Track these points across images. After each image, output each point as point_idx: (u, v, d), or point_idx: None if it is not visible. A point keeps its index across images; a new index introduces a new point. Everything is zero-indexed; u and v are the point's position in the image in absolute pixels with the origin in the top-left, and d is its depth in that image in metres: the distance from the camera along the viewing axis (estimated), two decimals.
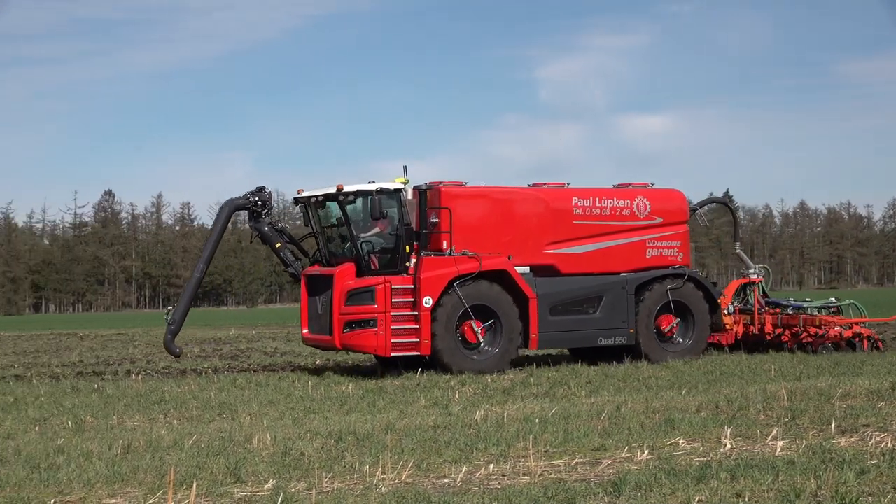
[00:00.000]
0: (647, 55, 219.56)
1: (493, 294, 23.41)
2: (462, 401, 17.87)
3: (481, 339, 23.36)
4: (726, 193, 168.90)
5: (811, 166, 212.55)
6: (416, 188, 23.62)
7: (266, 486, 10.63)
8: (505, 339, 23.45)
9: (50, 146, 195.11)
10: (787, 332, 26.42)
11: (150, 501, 10.16)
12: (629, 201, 25.41)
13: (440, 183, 23.85)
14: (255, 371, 24.95)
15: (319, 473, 11.17)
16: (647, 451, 12.01)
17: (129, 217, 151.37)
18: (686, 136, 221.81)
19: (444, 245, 23.31)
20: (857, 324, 26.46)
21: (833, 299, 27.51)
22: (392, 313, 22.70)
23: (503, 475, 11.13)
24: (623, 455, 12.02)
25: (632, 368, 22.93)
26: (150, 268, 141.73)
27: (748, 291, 27.57)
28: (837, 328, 26.03)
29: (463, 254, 23.24)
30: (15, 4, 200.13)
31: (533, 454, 11.86)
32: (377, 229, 23.57)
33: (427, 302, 22.73)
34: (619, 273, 25.02)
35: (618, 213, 25.25)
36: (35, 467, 11.88)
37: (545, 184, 25.22)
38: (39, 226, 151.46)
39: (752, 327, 26.80)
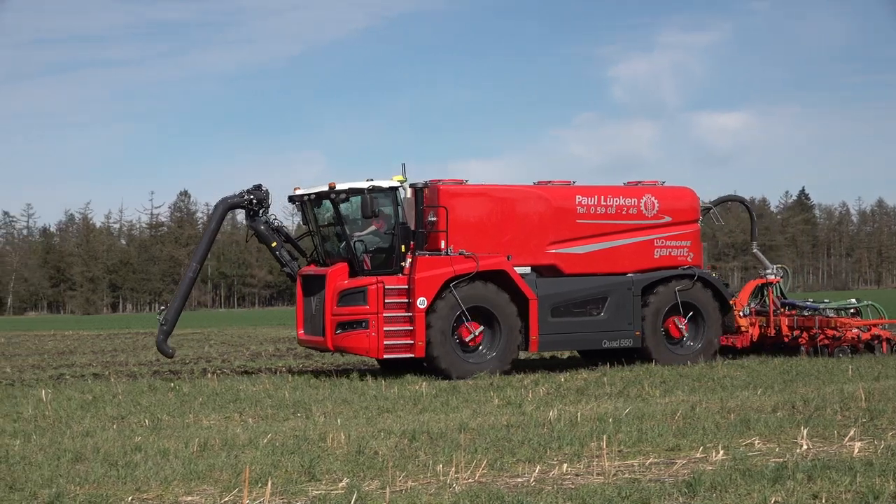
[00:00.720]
0: (721, 53, 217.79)
1: (492, 295, 22.85)
2: (535, 400, 17.83)
3: (479, 342, 22.83)
4: (802, 192, 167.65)
5: (889, 164, 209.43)
6: (412, 186, 23.08)
7: (340, 485, 10.68)
8: (504, 342, 22.86)
9: (127, 147, 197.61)
10: (805, 335, 25.56)
11: (226, 499, 10.25)
12: (636, 200, 24.76)
13: (439, 181, 23.31)
14: (328, 370, 25.04)
15: (393, 472, 11.20)
16: (721, 452, 11.91)
17: (205, 217, 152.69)
18: (761, 134, 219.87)
19: (442, 245, 22.79)
20: (875, 325, 25.60)
21: (854, 300, 26.60)
22: (385, 314, 22.22)
23: (577, 475, 11.10)
24: (697, 455, 11.94)
25: (706, 368, 22.72)
26: (224, 267, 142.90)
27: (765, 293, 26.61)
28: (855, 330, 25.17)
29: (460, 253, 22.70)
30: (94, 6, 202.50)
31: (607, 454, 11.81)
32: (373, 228, 23.13)
33: (421, 303, 22.24)
34: (625, 274, 24.38)
35: (624, 212, 24.60)
36: (113, 464, 12.02)
37: (550, 182, 24.60)
38: (116, 226, 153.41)
39: (768, 329, 25.84)
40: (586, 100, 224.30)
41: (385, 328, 22.21)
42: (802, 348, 25.39)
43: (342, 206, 22.89)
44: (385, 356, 22.51)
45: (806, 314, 25.87)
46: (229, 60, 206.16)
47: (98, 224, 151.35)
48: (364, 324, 22.26)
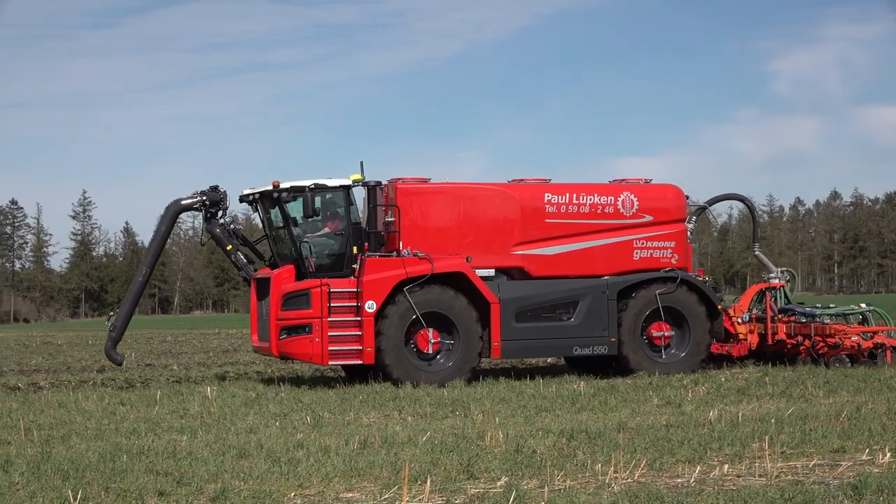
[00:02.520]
0: (888, 44, 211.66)
1: (449, 299, 21.62)
2: (695, 400, 17.60)
3: (437, 349, 21.70)
4: None
5: None
6: (364, 184, 22.14)
7: (498, 484, 10.70)
8: (462, 349, 21.64)
9: (290, 149, 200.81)
10: (807, 342, 23.52)
11: (386, 496, 10.35)
12: (612, 198, 23.16)
13: (399, 179, 22.28)
14: (486, 369, 25.09)
15: (551, 471, 11.18)
16: (889, 454, 11.60)
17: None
18: None
19: (401, 246, 21.76)
20: (877, 333, 23.53)
21: (864, 305, 24.49)
22: (331, 319, 21.15)
23: (738, 476, 10.94)
24: (863, 457, 11.65)
25: (872, 369, 22.08)
26: None
27: (770, 297, 24.85)
28: (855, 338, 23.07)
29: (413, 255, 21.67)
30: (259, 11, 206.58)
31: (769, 455, 11.60)
32: (327, 229, 22.24)
33: (370, 307, 21.16)
34: (600, 276, 22.83)
35: (599, 211, 23.02)
36: (276, 461, 12.24)
37: (522, 180, 23.30)
38: None
39: (771, 336, 23.92)
40: (747, 95, 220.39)
41: (330, 333, 21.15)
42: (800, 357, 23.51)
43: (289, 207, 21.91)
44: (330, 363, 21.64)
45: (803, 321, 23.94)
46: (391, 61, 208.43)
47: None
48: (307, 328, 21.23)
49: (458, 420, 15.98)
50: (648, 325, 22.98)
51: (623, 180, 23.78)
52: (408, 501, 10.01)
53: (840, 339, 23.12)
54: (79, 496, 10.10)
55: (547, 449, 12.60)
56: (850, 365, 22.71)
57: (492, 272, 22.32)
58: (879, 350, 23.26)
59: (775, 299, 24.91)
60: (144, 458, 12.52)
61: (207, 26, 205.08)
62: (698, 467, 11.29)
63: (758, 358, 24.17)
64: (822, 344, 23.41)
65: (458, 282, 21.81)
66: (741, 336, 24.05)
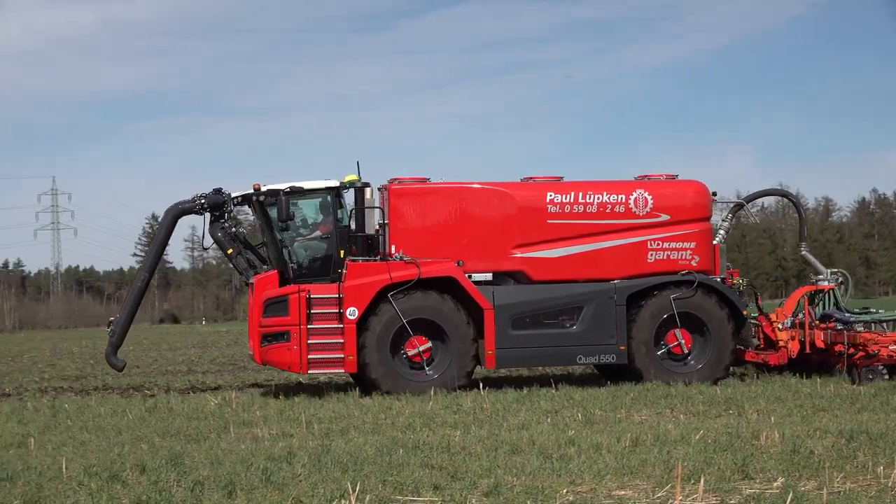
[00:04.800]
0: None
1: (438, 305, 20.63)
2: None
3: (427, 357, 20.77)
4: None
5: None
6: (351, 186, 21.17)
7: (774, 484, 10.48)
8: (453, 358, 20.65)
9: (551, 147, 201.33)
10: (851, 350, 21.15)
11: (659, 495, 10.27)
12: (624, 196, 21.56)
13: (396, 180, 21.28)
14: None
15: (830, 473, 10.87)
16: None
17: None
18: None
19: (393, 250, 20.80)
20: None
21: None
22: (311, 326, 20.30)
23: None
24: None
25: None
26: None
27: (816, 301, 22.95)
28: (893, 347, 20.62)
29: (399, 259, 20.75)
30: (527, 9, 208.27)
31: None
32: (317, 233, 21.44)
33: (352, 314, 20.32)
34: (607, 280, 21.38)
35: (608, 211, 21.49)
36: (548, 457, 12.30)
37: (532, 178, 22.01)
38: None
39: (809, 345, 21.79)
40: None
41: (310, 341, 20.31)
42: (837, 368, 21.37)
43: (271, 210, 21.05)
44: (310, 371, 20.85)
45: (839, 328, 21.64)
46: (655, 56, 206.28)
47: None
48: (286, 336, 20.42)
49: (731, 419, 15.72)
50: (666, 332, 21.55)
51: (645, 177, 22.28)
52: (681, 500, 9.91)
53: (874, 348, 20.71)
54: (357, 488, 10.40)
55: (825, 450, 12.23)
56: (886, 377, 20.47)
57: (489, 276, 21.23)
58: None
59: (824, 304, 23.05)
60: (420, 453, 12.80)
61: (474, 27, 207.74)
62: None
63: (799, 368, 21.99)
64: (860, 353, 21.02)
65: (448, 287, 20.86)
66: (781, 343, 22.07)
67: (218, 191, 21.96)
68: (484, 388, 20.32)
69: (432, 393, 19.74)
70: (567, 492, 10.56)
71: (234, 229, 22.12)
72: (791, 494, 9.74)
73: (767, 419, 15.42)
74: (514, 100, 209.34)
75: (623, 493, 10.50)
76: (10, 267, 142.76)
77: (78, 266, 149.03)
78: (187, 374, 27.81)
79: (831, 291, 23.08)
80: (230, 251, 22.00)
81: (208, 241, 22.19)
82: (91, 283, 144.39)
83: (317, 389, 21.99)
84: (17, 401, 22.05)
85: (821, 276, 23.39)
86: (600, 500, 10.29)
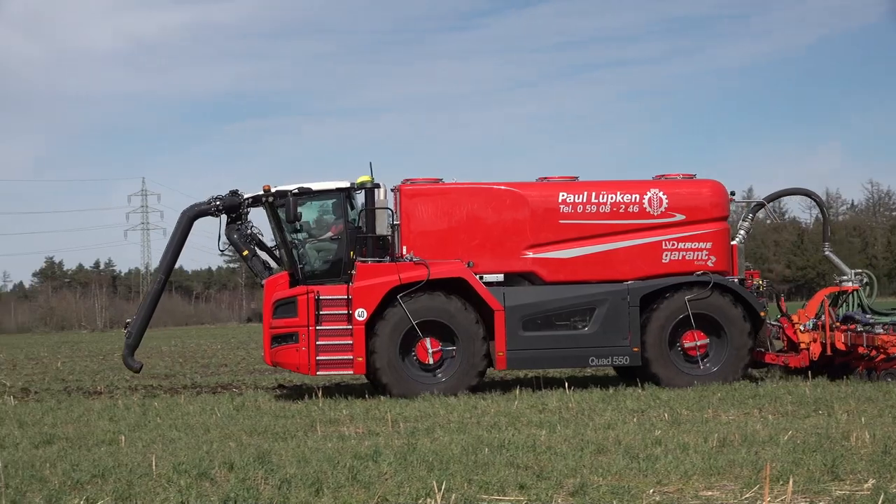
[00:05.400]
0: None
1: (448, 307, 20.44)
2: None
3: (438, 359, 20.53)
4: None
5: None
6: (361, 187, 21.04)
7: (865, 486, 10.35)
8: (463, 359, 20.46)
9: (639, 145, 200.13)
10: (873, 352, 20.53)
11: (747, 496, 10.19)
12: (637, 196, 21.23)
13: (409, 180, 21.13)
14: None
15: None
16: None
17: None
18: None
19: (405, 251, 20.68)
20: None
21: None
22: (319, 327, 20.21)
23: None
24: None
25: None
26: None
27: (839, 302, 22.36)
28: None
29: (408, 259, 20.57)
30: (616, 6, 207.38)
31: None
32: (329, 234, 21.32)
33: (360, 315, 20.19)
34: (620, 281, 21.05)
35: (622, 211, 21.18)
36: (634, 457, 12.25)
37: (547, 178, 21.67)
38: None
39: (829, 347, 21.23)
40: None
41: (319, 342, 20.24)
42: (857, 370, 20.91)
43: (280, 212, 21.07)
44: (320, 373, 20.66)
45: (859, 330, 20.92)
46: (745, 53, 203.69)
47: None
48: (294, 337, 20.37)
49: (821, 419, 15.52)
50: (681, 333, 21.20)
51: (662, 176, 21.92)
52: (769, 502, 9.82)
53: (893, 350, 20.28)
54: (443, 487, 10.44)
55: None
56: None
57: (501, 277, 21.05)
58: None
59: (848, 305, 22.41)
60: (505, 452, 12.82)
61: (558, 25, 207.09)
62: None
63: (821, 370, 21.47)
64: (882, 356, 20.51)
65: (458, 288, 20.68)
66: (802, 345, 21.59)
67: (234, 192, 22.01)
68: (569, 387, 20.30)
69: (517, 392, 19.78)
70: (653, 492, 10.52)
71: (249, 231, 22.10)
72: (882, 496, 9.62)
73: (858, 420, 15.20)
74: (599, 98, 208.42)
75: (710, 493, 10.43)
76: (102, 267, 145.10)
77: (270, 264, 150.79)
78: (274, 373, 28.05)
79: (855, 292, 22.56)
80: (245, 253, 22.00)
81: (224, 242, 22.15)
82: (180, 282, 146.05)
83: None
84: (109, 399, 22.38)
85: (844, 277, 22.87)
86: (687, 500, 10.24)
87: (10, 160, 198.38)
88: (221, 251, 22.40)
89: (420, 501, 10.27)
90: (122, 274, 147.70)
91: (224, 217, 21.91)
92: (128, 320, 23.03)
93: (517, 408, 17.80)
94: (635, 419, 16.07)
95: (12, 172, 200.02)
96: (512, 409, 17.69)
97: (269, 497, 10.56)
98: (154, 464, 12.20)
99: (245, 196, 21.75)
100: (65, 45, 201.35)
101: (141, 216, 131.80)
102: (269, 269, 22.00)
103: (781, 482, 10.48)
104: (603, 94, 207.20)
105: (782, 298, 23.27)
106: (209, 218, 21.93)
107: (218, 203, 21.81)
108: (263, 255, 22.15)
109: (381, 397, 20.04)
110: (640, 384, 20.70)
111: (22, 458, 13.61)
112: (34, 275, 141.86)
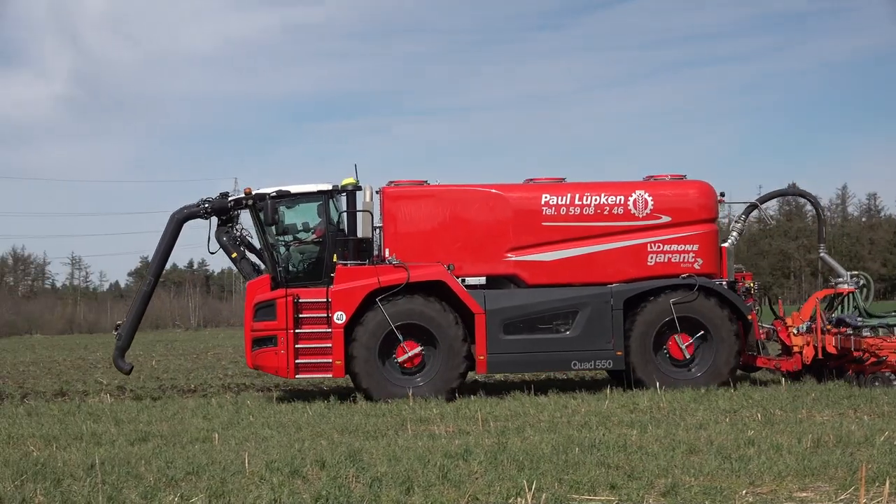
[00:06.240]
0: None
1: (426, 309, 20.22)
2: None
3: (418, 363, 20.35)
4: None
5: None
6: (343, 189, 20.86)
7: None
8: (442, 363, 20.23)
9: (737, 143, 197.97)
10: (865, 357, 20.23)
11: (841, 497, 10.07)
12: (622, 198, 20.89)
13: (393, 183, 20.94)
14: None
15: None
16: None
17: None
18: None
19: (387, 254, 20.52)
20: None
21: None
22: (298, 330, 20.16)
23: None
24: None
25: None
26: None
27: (835, 305, 21.95)
28: None
29: (388, 262, 20.39)
30: (711, 3, 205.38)
31: None
32: (313, 236, 21.10)
33: (339, 318, 20.08)
34: (604, 284, 20.69)
35: (606, 213, 20.82)
36: (727, 457, 12.16)
37: (533, 180, 21.32)
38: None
39: (821, 350, 20.92)
40: None
41: (298, 345, 20.19)
42: (848, 374, 20.52)
43: (262, 215, 20.92)
44: (299, 376, 20.54)
45: (849, 333, 20.60)
46: (843, 48, 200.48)
47: None
48: (273, 340, 20.30)
49: None
50: (667, 337, 20.89)
51: (652, 177, 21.57)
52: (865, 503, 9.68)
53: (882, 353, 19.94)
54: (533, 486, 10.45)
55: None
56: (894, 385, 19.56)
57: (483, 280, 20.83)
58: None
59: (843, 308, 21.93)
60: (596, 451, 12.79)
61: (653, 23, 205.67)
62: None
63: (814, 374, 21.28)
64: (872, 359, 20.18)
65: (438, 291, 20.49)
66: (795, 349, 21.26)
67: (224, 195, 22.10)
68: (661, 387, 20.16)
69: (608, 391, 19.70)
70: (746, 493, 10.43)
71: (238, 234, 22.13)
72: None
73: None
74: (694, 96, 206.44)
75: (804, 494, 10.32)
76: (195, 266, 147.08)
77: (259, 266, 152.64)
78: None
79: (851, 295, 22.22)
80: (234, 255, 21.96)
81: (214, 245, 22.10)
82: None
83: (494, 388, 22.11)
84: (202, 397, 22.67)
85: (840, 279, 22.53)
86: (781, 501, 10.14)
87: (107, 161, 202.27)
88: (212, 253, 22.40)
89: (510, 500, 10.28)
90: (215, 273, 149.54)
91: (214, 220, 21.99)
92: (118, 322, 23.15)
93: (608, 407, 17.74)
94: (727, 419, 15.94)
95: (109, 173, 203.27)
96: (602, 408, 17.64)
97: (360, 495, 10.64)
98: (247, 461, 12.35)
99: (230, 199, 21.86)
100: (161, 48, 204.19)
101: None
102: (259, 271, 21.93)
103: (877, 484, 10.34)
104: (694, 93, 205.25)
105: (780, 301, 23.09)
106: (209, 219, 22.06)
107: (207, 206, 21.89)
108: (253, 258, 22.14)
109: (472, 396, 20.07)
110: (731, 384, 20.51)
111: (118, 455, 13.84)
112: (129, 274, 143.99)
